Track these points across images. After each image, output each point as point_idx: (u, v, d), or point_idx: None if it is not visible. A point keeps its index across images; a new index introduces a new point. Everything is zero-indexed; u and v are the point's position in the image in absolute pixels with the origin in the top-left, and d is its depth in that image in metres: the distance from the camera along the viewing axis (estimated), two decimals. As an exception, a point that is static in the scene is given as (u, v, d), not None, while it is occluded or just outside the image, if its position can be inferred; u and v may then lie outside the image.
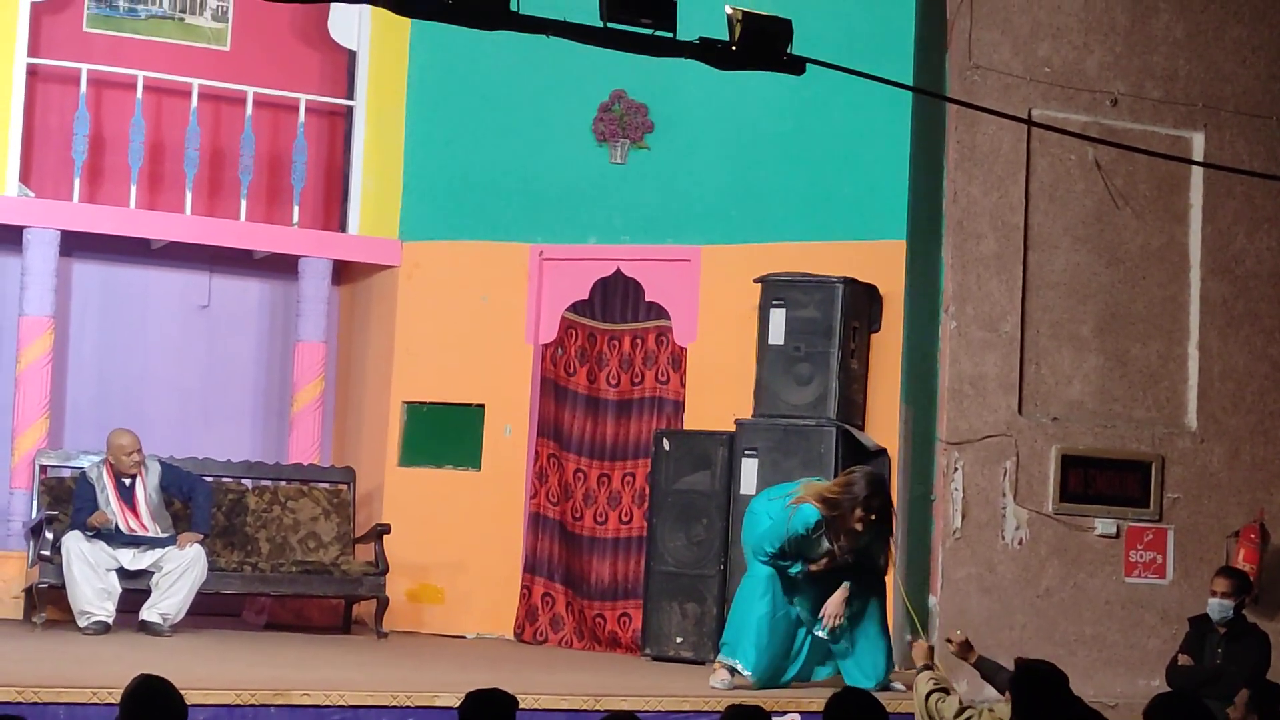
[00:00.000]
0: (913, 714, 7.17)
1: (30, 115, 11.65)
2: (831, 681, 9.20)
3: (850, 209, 10.94)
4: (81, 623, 10.29)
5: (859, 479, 9.14)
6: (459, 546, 11.70)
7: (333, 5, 11.78)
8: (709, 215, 11.39)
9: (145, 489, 10.64)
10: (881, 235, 10.80)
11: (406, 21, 11.60)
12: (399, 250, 12.08)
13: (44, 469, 11.15)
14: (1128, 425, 10.67)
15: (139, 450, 10.67)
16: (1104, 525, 10.52)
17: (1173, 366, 10.79)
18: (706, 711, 8.52)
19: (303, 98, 12.15)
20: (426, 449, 11.93)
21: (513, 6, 7.09)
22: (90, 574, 10.34)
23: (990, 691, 7.85)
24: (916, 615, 9.73)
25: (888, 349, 10.73)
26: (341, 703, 8.08)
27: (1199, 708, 5.87)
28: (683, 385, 11.40)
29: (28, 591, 10.72)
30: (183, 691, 5.19)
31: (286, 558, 11.28)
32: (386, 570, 11.19)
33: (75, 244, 11.76)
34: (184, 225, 11.79)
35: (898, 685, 9.32)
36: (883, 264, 10.74)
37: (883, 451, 10.41)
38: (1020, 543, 10.39)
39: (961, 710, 6.83)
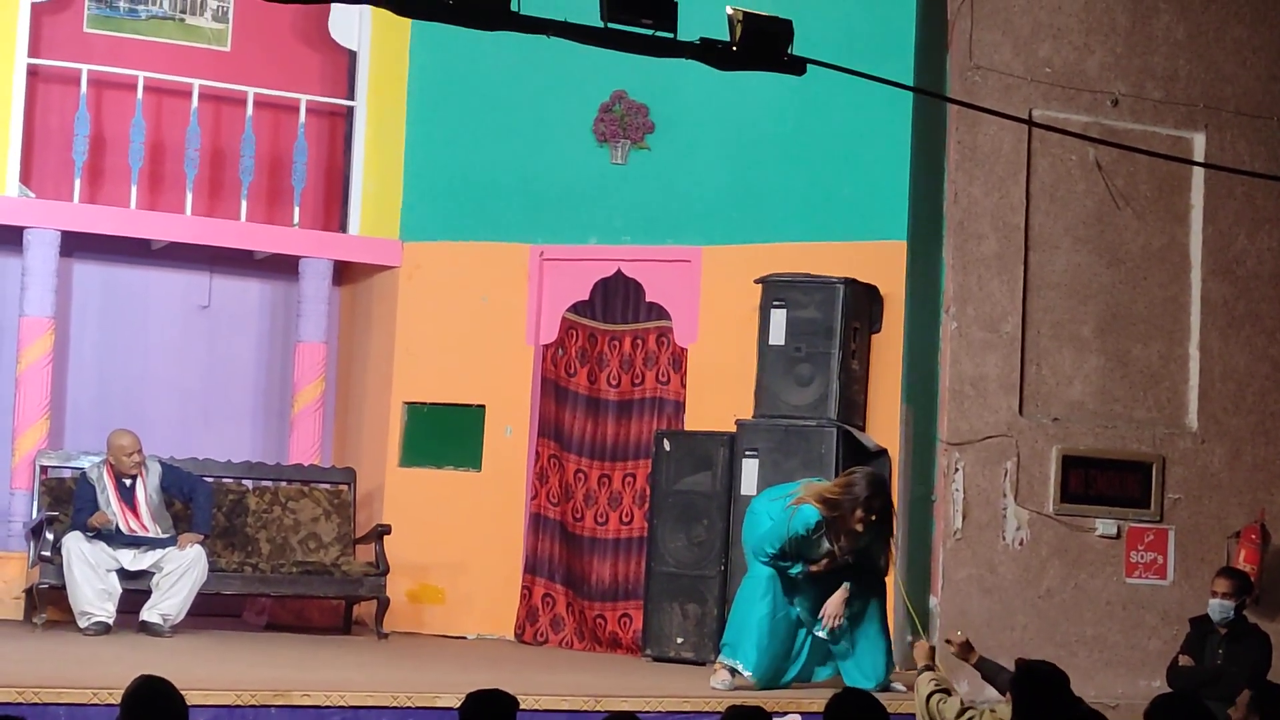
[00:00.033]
0: (914, 715, 7.16)
1: (31, 116, 11.65)
2: (832, 682, 9.20)
3: (851, 209, 10.94)
4: (82, 623, 10.29)
5: (859, 479, 9.14)
6: (459, 547, 11.70)
7: (333, 6, 11.78)
8: (710, 216, 11.39)
9: (146, 489, 10.64)
10: (882, 236, 10.81)
11: (407, 22, 11.61)
12: (399, 251, 12.08)
13: (44, 469, 11.15)
14: (1129, 426, 10.66)
15: (139, 451, 10.67)
16: (1105, 526, 10.51)
17: (1173, 367, 10.78)
18: (707, 712, 8.52)
19: (303, 98, 12.15)
20: (427, 449, 11.93)
21: (513, 7, 7.08)
22: (91, 574, 10.34)
23: (991, 692, 7.85)
24: (917, 616, 9.73)
25: (888, 349, 10.73)
26: (342, 703, 8.08)
27: (1200, 708, 5.86)
28: (683, 386, 11.40)
29: (28, 592, 10.72)
30: (183, 692, 5.18)
31: (287, 558, 11.28)
32: (387, 571, 11.19)
33: (76, 244, 11.76)
34: (184, 226, 11.80)
35: (898, 686, 9.32)
36: (883, 264, 10.74)
37: (883, 452, 10.41)
38: (1021, 543, 10.38)
39: (963, 711, 6.82)
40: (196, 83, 11.85)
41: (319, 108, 12.35)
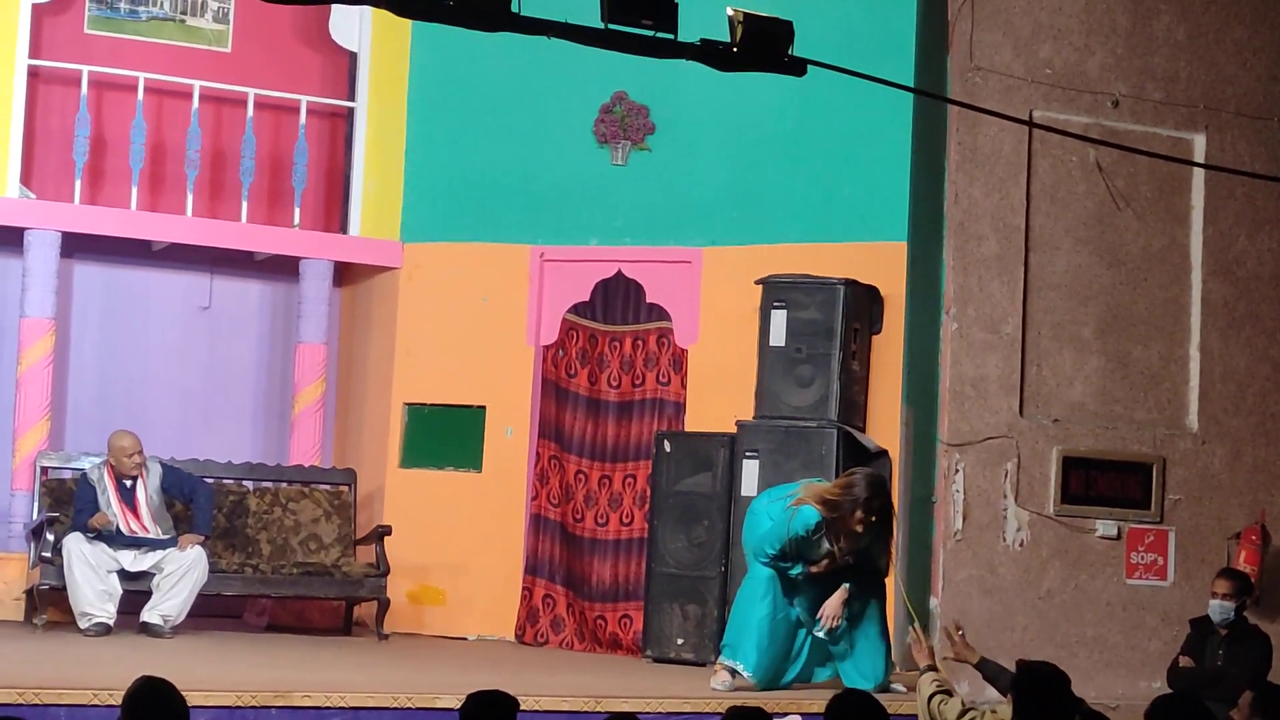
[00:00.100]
0: (914, 715, 7.16)
1: (31, 117, 11.66)
2: (831, 683, 9.20)
3: (851, 210, 10.94)
4: (82, 624, 10.29)
5: (859, 480, 9.15)
6: (460, 548, 11.70)
7: (333, 7, 11.78)
8: (710, 217, 11.39)
9: (146, 490, 10.64)
10: (882, 237, 10.81)
11: (407, 23, 11.60)
12: (400, 252, 12.08)
13: (45, 470, 11.15)
14: (1129, 427, 10.66)
15: (140, 452, 10.67)
16: (1105, 527, 10.51)
17: (1174, 368, 10.78)
18: (707, 713, 8.52)
19: (304, 99, 12.15)
20: (427, 450, 11.93)
21: (513, 8, 7.08)
22: (91, 575, 10.34)
23: (992, 693, 7.84)
24: (918, 617, 9.72)
25: (889, 350, 10.74)
26: (342, 704, 8.08)
27: (1200, 709, 5.86)
28: (684, 387, 11.40)
29: (29, 593, 10.72)
30: (184, 693, 5.18)
31: (287, 559, 11.28)
32: (387, 572, 11.19)
33: (76, 246, 11.76)
34: (185, 227, 11.80)
35: (898, 687, 9.33)
36: (884, 265, 10.74)
37: (884, 453, 10.41)
38: (1021, 544, 10.38)
39: (964, 712, 6.82)
40: (197, 84, 11.86)
41: (319, 109, 12.35)
